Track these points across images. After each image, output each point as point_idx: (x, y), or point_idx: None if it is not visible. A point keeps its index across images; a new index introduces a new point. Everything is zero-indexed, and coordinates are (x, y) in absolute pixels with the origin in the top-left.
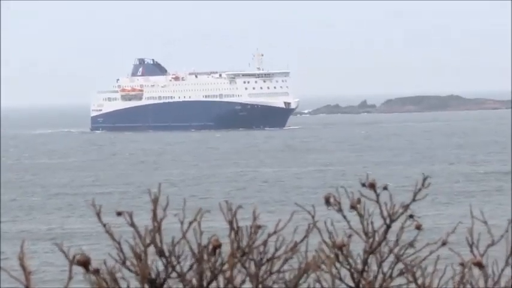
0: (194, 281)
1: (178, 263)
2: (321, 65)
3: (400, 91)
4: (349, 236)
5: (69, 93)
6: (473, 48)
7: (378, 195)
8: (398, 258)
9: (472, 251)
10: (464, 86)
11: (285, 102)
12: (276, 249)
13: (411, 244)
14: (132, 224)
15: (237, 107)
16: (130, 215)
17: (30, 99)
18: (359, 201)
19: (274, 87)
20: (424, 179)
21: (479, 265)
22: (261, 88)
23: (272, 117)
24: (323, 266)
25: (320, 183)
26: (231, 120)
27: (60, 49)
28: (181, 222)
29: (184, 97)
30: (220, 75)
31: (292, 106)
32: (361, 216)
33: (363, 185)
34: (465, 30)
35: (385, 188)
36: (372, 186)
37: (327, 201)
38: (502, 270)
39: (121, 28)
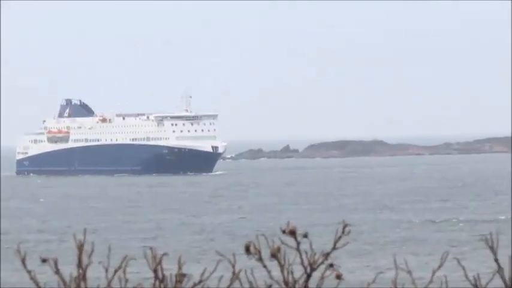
0: None
1: None
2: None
3: (323, 136)
4: (269, 286)
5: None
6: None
7: (298, 243)
8: None
9: None
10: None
11: (212, 147)
12: None
13: None
14: (57, 271)
15: (164, 151)
16: (55, 262)
17: None
18: (279, 249)
19: (202, 130)
20: (344, 227)
21: None
22: (189, 131)
23: (200, 161)
24: None
25: (246, 231)
26: (158, 164)
27: None
28: (106, 270)
29: (112, 140)
30: (147, 117)
31: (220, 150)
32: (281, 265)
33: (283, 231)
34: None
35: (305, 236)
36: (292, 233)
37: (247, 250)
38: None
39: (45, 71)
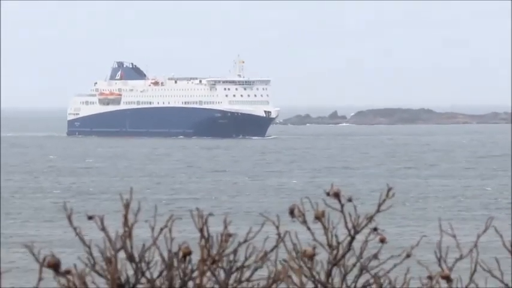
0: (164, 287)
1: (148, 268)
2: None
3: (370, 103)
4: (314, 248)
5: (47, 93)
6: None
7: (342, 205)
8: (362, 270)
9: (440, 265)
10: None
11: (265, 111)
12: (246, 258)
13: (375, 256)
14: (103, 228)
15: (217, 115)
16: (101, 219)
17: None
18: (323, 213)
19: (255, 95)
20: (388, 190)
21: (447, 278)
22: (242, 96)
23: (252, 125)
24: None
25: (297, 193)
26: (210, 127)
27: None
28: (152, 228)
29: (163, 103)
30: (200, 81)
31: (273, 115)
32: (325, 228)
33: (327, 194)
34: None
35: (349, 200)
36: (337, 195)
37: (291, 213)
38: (466, 286)
39: (98, 29)
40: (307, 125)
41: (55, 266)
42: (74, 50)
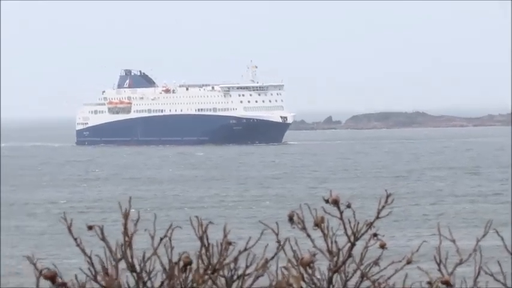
0: None
1: (149, 279)
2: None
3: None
4: (314, 255)
5: (53, 104)
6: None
7: (341, 212)
8: (363, 277)
9: (439, 270)
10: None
11: (281, 117)
12: (247, 266)
13: (376, 262)
14: (103, 238)
15: (232, 121)
16: (101, 229)
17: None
18: (323, 219)
19: (270, 101)
20: (387, 196)
21: (447, 284)
22: (256, 102)
23: (269, 132)
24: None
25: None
26: (225, 134)
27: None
28: (152, 237)
29: (176, 110)
30: (212, 87)
31: (289, 121)
32: (325, 234)
33: (326, 201)
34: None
35: (348, 206)
36: (335, 202)
37: (291, 219)
38: None
39: (107, 38)
40: (304, 131)
41: (52, 278)
42: (76, 57)
